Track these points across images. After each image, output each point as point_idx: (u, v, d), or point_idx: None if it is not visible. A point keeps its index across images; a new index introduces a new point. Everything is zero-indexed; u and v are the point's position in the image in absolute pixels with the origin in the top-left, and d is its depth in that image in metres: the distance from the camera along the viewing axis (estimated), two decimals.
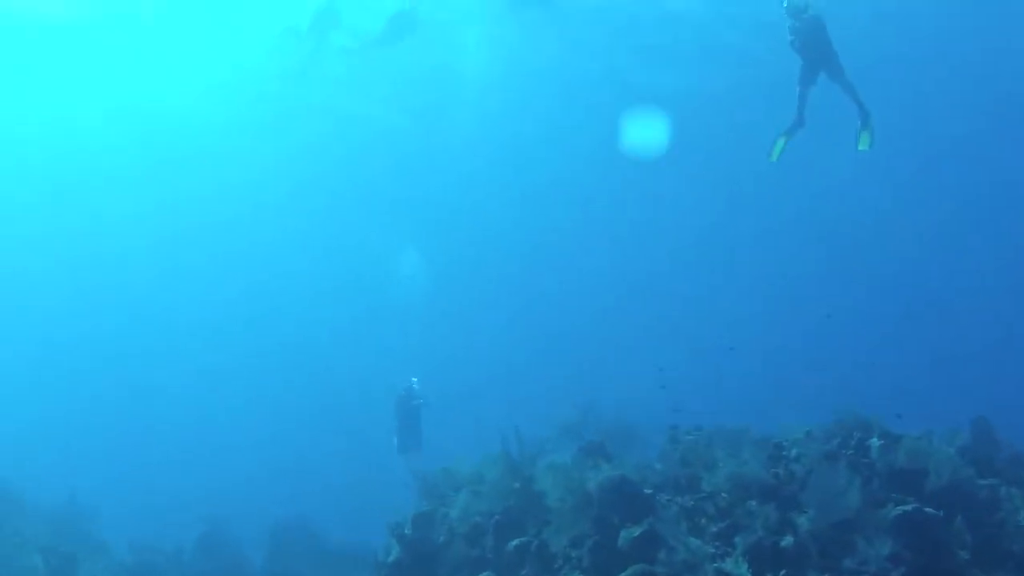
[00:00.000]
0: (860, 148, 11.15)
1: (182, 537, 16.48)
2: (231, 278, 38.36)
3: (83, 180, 31.80)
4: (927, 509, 7.75)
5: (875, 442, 9.22)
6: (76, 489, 16.01)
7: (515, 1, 21.67)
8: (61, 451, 30.47)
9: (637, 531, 7.77)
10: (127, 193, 32.18)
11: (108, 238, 35.06)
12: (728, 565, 7.25)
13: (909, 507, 7.77)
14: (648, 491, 8.75)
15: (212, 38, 24.67)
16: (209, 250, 36.13)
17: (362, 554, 13.28)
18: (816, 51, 10.42)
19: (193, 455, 32.58)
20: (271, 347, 39.33)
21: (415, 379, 16.23)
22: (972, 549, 7.54)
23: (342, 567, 14.91)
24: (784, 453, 9.44)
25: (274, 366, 38.85)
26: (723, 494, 8.54)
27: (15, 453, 25.25)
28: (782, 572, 7.15)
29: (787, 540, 7.47)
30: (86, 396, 37.61)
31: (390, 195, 32.63)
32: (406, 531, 10.16)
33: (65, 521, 14.79)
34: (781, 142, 11.31)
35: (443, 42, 22.84)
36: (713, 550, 7.58)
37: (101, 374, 38.75)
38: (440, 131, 28.20)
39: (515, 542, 9.01)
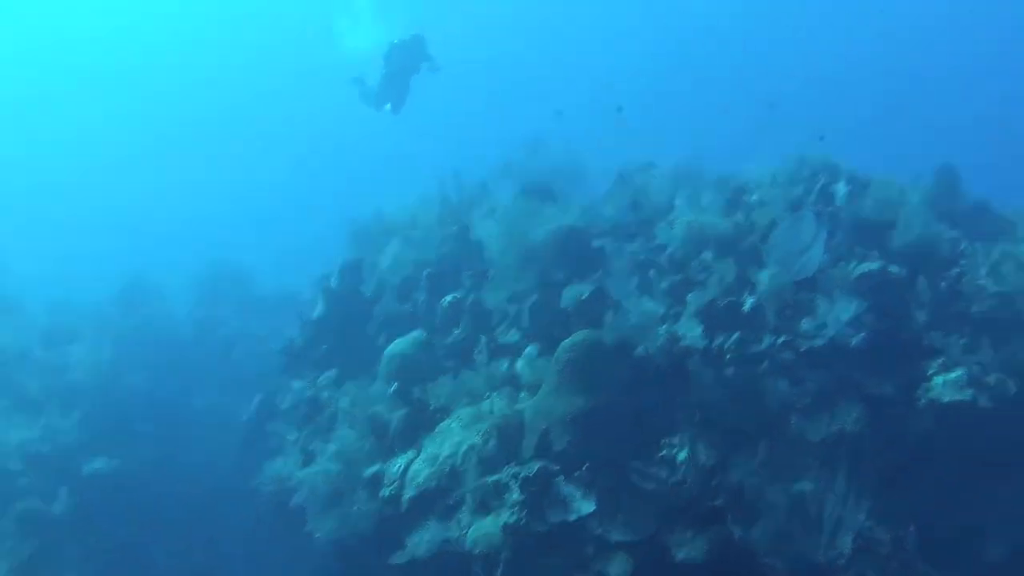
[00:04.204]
0: None
1: (102, 293, 15.15)
2: None
3: None
4: (891, 268, 7.23)
5: (841, 188, 8.52)
6: None
7: None
8: None
9: (586, 291, 7.07)
10: None
11: None
12: (681, 327, 6.69)
13: (874, 265, 7.23)
14: (597, 244, 7.98)
15: None
16: None
17: (293, 304, 12.53)
18: None
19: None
20: None
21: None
22: (931, 308, 7.16)
23: (272, 316, 14.11)
24: (745, 198, 8.71)
25: None
26: (677, 245, 7.81)
27: None
28: (735, 335, 6.65)
29: (745, 300, 6.89)
30: None
31: None
32: (332, 283, 9.25)
33: None
34: None
35: None
36: (664, 310, 6.99)
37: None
38: None
39: (449, 298, 8.33)
